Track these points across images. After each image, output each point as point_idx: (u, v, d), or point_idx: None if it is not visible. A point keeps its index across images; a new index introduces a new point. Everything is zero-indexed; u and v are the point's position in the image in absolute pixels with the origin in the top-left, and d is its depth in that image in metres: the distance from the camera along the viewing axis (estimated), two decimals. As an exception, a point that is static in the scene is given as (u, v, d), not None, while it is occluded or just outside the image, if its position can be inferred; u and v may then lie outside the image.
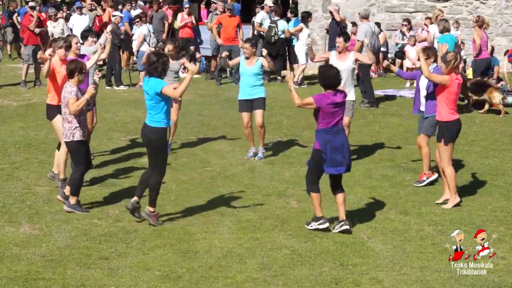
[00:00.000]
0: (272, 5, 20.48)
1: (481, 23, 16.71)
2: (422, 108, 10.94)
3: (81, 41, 12.42)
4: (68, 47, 10.80)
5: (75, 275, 7.60)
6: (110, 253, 8.20)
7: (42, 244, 8.45)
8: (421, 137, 10.91)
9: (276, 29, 19.90)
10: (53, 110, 10.58)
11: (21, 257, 8.04)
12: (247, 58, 12.39)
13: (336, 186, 9.09)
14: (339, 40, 11.99)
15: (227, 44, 19.59)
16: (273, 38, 19.74)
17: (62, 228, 8.99)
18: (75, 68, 9.59)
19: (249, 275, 7.66)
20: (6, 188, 10.65)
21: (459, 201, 9.96)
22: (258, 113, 12.36)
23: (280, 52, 20.17)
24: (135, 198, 9.26)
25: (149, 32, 20.05)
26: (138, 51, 19.75)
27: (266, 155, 12.50)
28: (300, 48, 19.69)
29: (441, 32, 15.44)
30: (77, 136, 9.53)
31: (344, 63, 11.75)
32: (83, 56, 11.21)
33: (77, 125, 9.50)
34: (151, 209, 9.18)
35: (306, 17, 20.13)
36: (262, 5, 20.91)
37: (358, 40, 16.01)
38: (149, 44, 19.69)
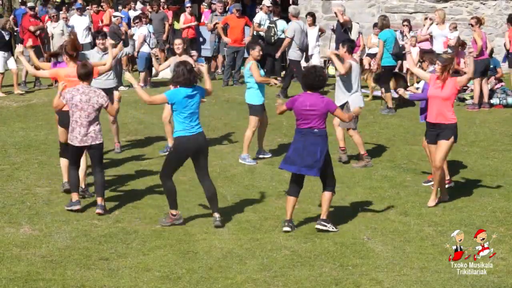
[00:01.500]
0: (269, 5, 20.50)
1: (479, 22, 16.68)
2: None
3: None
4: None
5: (75, 276, 7.60)
6: (110, 254, 8.20)
7: (42, 245, 8.45)
8: None
9: (275, 29, 19.89)
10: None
11: (21, 258, 8.04)
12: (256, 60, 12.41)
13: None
14: (341, 49, 12.05)
15: (233, 45, 19.58)
16: (272, 38, 19.74)
17: (62, 229, 8.99)
18: (84, 73, 9.53)
19: (249, 276, 7.66)
20: (6, 189, 10.65)
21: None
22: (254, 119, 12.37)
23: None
24: (174, 211, 9.25)
25: (149, 33, 20.05)
26: (138, 52, 19.74)
27: (264, 156, 12.53)
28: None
29: (381, 28, 16.52)
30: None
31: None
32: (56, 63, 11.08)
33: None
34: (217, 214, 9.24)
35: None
36: (260, 6, 20.89)
37: (287, 37, 17.63)
38: (149, 45, 19.70)
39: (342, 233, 8.97)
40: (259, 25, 20.19)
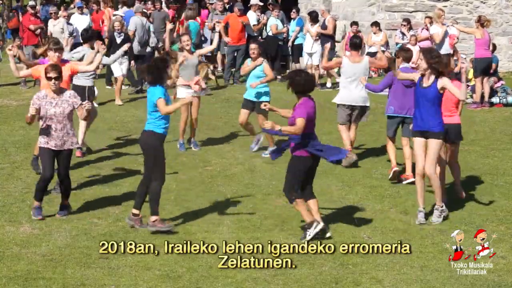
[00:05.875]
0: (261, 4, 20.55)
1: (483, 22, 16.71)
2: None
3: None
4: (60, 50, 10.71)
5: (75, 275, 7.61)
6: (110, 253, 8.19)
7: (42, 243, 8.45)
8: None
9: (265, 26, 19.97)
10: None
11: (21, 257, 8.04)
12: (253, 59, 12.42)
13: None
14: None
15: (233, 44, 19.58)
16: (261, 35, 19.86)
17: (62, 227, 8.99)
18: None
19: (249, 275, 7.66)
20: (6, 187, 10.65)
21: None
22: (260, 117, 12.34)
23: (269, 51, 19.79)
24: (134, 211, 9.06)
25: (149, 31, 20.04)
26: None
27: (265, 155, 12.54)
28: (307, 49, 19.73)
29: (186, 19, 18.69)
30: (41, 142, 9.57)
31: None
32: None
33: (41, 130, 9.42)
34: (153, 218, 8.95)
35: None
36: (249, 4, 20.87)
37: (130, 30, 18.44)
38: (149, 45, 19.69)
39: (342, 231, 8.97)
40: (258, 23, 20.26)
